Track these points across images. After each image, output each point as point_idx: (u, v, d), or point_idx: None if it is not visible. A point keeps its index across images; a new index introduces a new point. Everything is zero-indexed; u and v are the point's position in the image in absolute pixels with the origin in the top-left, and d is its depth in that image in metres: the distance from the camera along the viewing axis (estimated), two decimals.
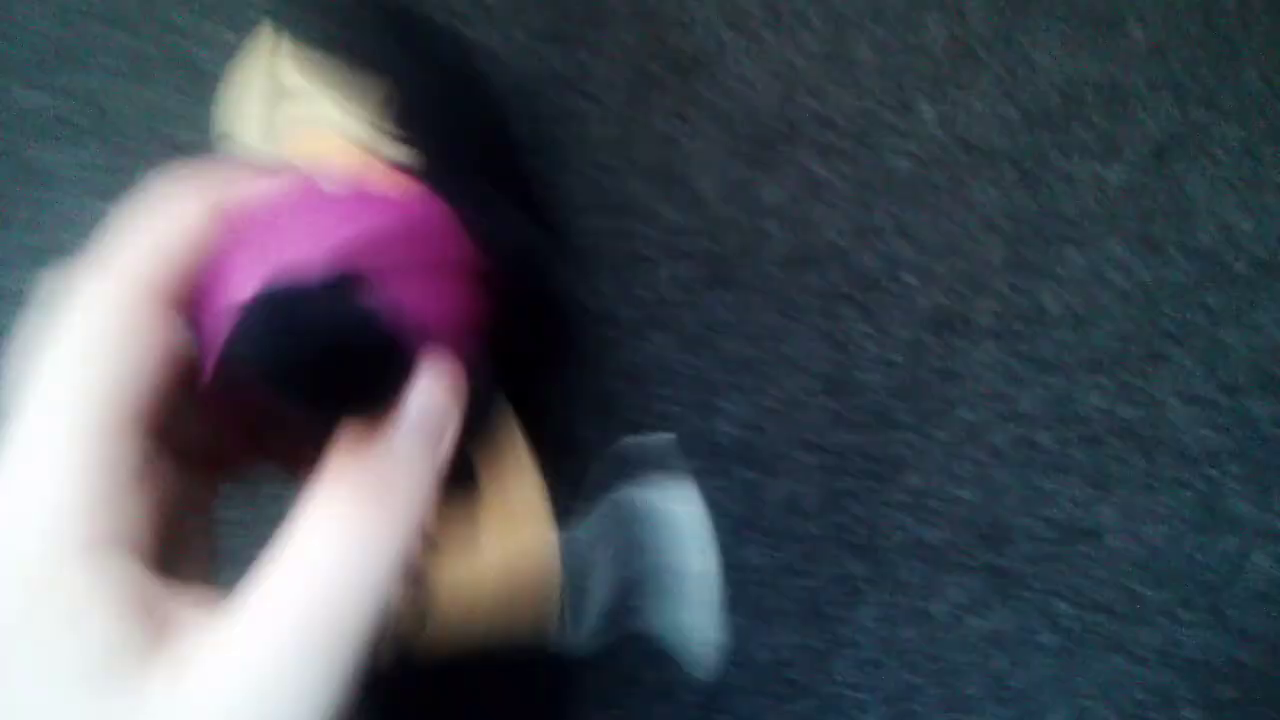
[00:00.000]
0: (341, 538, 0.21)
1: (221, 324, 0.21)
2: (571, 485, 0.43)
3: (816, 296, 0.50)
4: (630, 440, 0.47)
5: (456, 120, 0.43)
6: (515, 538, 0.35)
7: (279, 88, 0.42)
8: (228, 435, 0.25)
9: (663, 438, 0.47)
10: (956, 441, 0.49)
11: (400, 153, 0.38)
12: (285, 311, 0.21)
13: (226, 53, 0.54)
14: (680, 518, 0.44)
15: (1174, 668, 0.48)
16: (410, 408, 0.23)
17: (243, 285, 0.21)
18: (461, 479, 0.26)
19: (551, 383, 0.37)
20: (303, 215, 0.23)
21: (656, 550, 0.43)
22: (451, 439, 0.24)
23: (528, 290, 0.28)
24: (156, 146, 0.55)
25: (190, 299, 0.22)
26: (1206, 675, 0.47)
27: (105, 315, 0.20)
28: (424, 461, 0.23)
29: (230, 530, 0.26)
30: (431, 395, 0.23)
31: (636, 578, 0.42)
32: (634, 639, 0.44)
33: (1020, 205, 0.49)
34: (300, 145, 0.41)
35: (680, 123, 0.51)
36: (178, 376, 0.22)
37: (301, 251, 0.21)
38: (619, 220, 0.51)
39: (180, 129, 0.54)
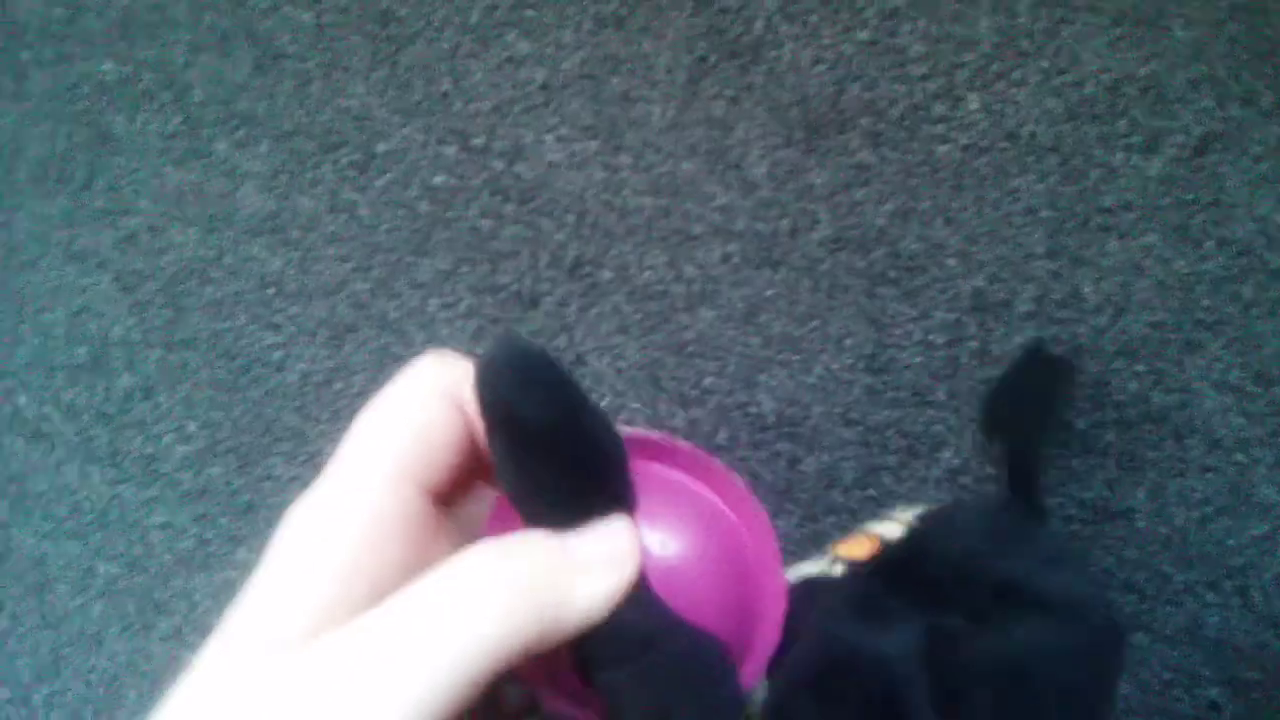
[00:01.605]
0: (480, 582, 0.23)
1: None
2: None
3: (860, 278, 0.52)
4: None
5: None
6: None
7: None
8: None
9: None
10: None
11: None
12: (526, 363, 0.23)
13: (303, 32, 0.57)
14: None
15: (1199, 648, 0.49)
16: (599, 528, 0.24)
17: None
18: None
19: None
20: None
21: None
22: (620, 588, 0.24)
23: None
24: (233, 120, 0.57)
25: None
26: (1231, 656, 0.49)
27: (416, 404, 0.26)
28: (593, 580, 0.24)
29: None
30: (622, 534, 0.24)
31: None
32: None
33: (1062, 195, 0.51)
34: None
35: (734, 107, 0.53)
36: (462, 459, 0.26)
37: None
38: (672, 200, 0.54)
39: (257, 104, 0.57)
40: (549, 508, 0.24)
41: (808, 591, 0.34)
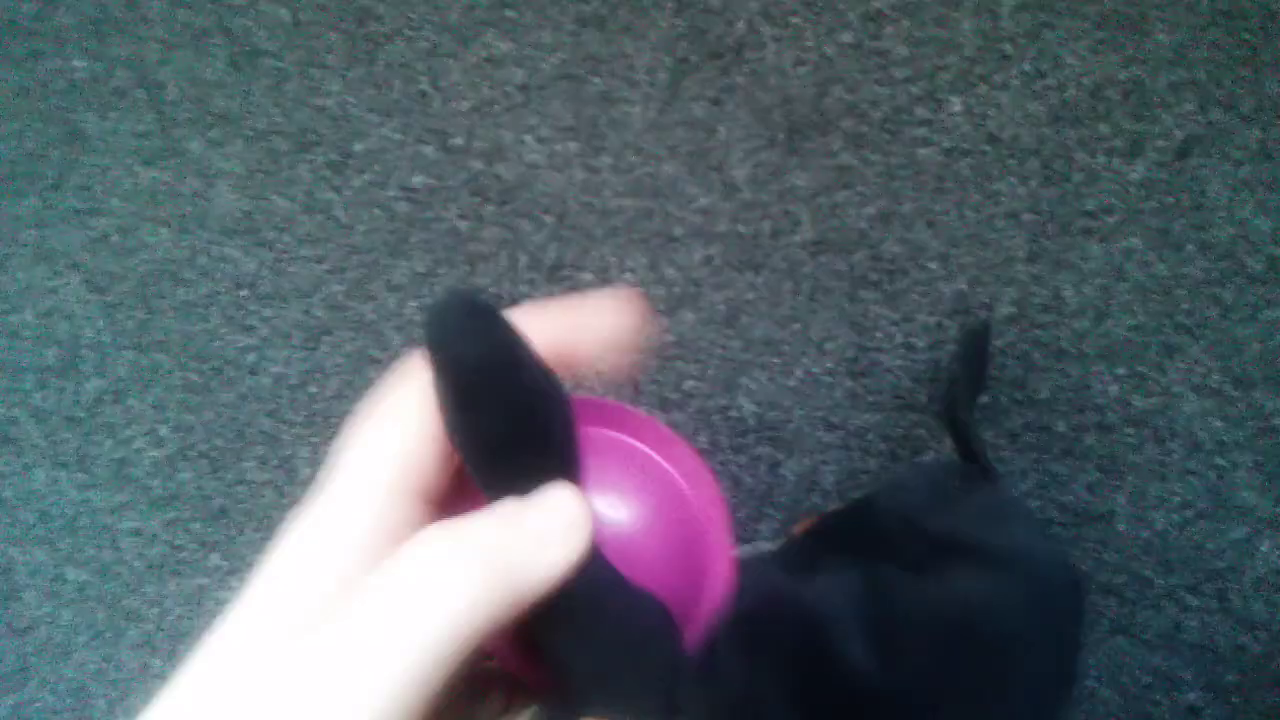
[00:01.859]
0: (437, 565, 0.23)
1: None
2: None
3: (842, 281, 0.52)
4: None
5: None
6: None
7: None
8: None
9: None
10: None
11: None
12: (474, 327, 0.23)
13: (280, 29, 0.56)
14: None
15: (1179, 651, 0.49)
16: (550, 496, 0.24)
17: None
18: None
19: None
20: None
21: None
22: (575, 558, 0.25)
23: None
24: (207, 119, 0.57)
25: None
26: (1210, 660, 0.49)
27: (409, 408, 0.26)
28: (549, 550, 0.24)
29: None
30: (573, 503, 0.24)
31: None
32: None
33: (1043, 198, 0.51)
34: None
35: (715, 109, 0.53)
36: (457, 462, 0.26)
37: None
38: (653, 201, 0.53)
39: (232, 102, 0.56)
40: (494, 458, 0.24)
41: (758, 562, 0.33)
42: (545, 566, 0.24)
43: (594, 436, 0.27)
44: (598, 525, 0.26)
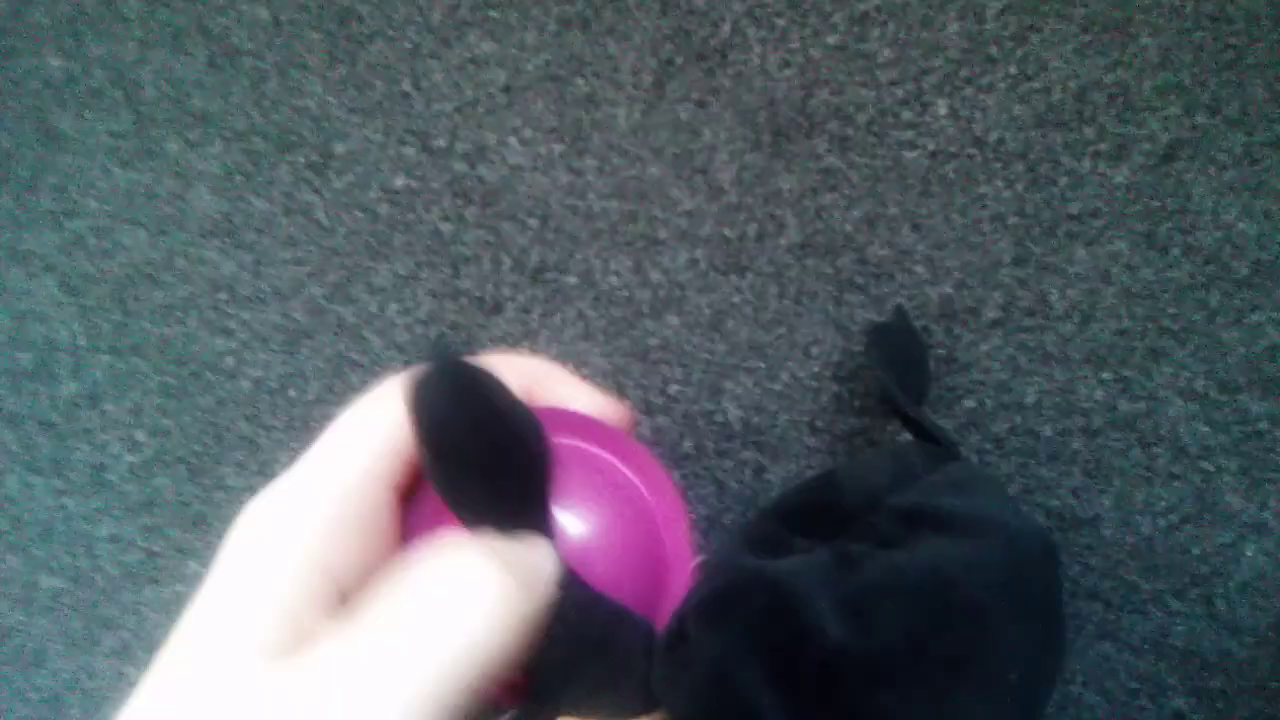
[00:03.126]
0: (432, 615, 0.22)
1: None
2: None
3: (828, 284, 0.51)
4: None
5: None
6: None
7: None
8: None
9: None
10: (960, 430, 0.50)
11: None
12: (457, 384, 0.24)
13: (259, 29, 0.55)
14: None
15: (1164, 657, 0.49)
16: (531, 544, 0.24)
17: None
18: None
19: None
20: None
21: None
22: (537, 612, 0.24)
23: None
24: (186, 119, 0.56)
25: None
26: (1196, 665, 0.49)
27: (390, 406, 0.27)
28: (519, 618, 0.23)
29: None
30: (547, 556, 0.24)
31: None
32: None
33: (1029, 202, 0.50)
34: None
35: (700, 111, 0.53)
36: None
37: None
38: (638, 204, 0.53)
39: (211, 102, 0.56)
40: (474, 510, 0.24)
41: (725, 543, 0.33)
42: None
43: (561, 447, 0.28)
44: (562, 539, 0.26)
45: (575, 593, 0.25)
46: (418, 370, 0.23)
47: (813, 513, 0.33)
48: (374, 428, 0.26)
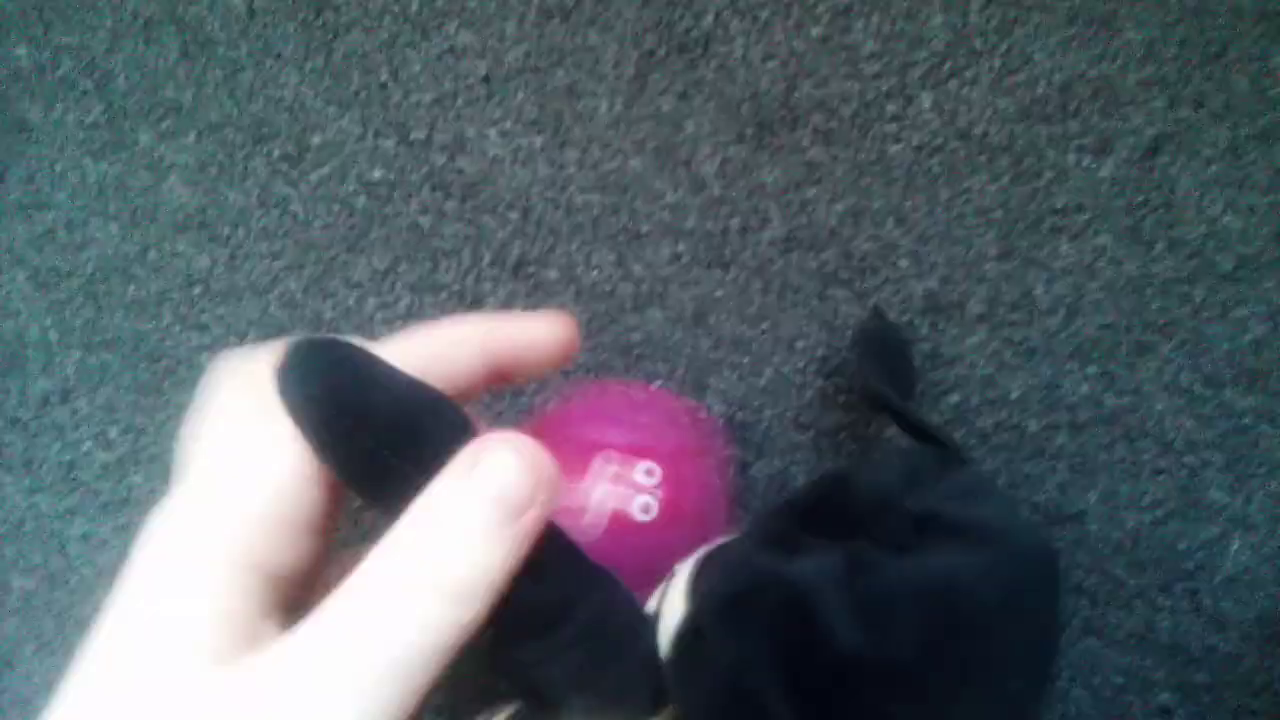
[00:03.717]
0: (380, 611, 0.22)
1: None
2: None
3: (812, 279, 0.51)
4: None
5: None
6: None
7: None
8: None
9: None
10: (945, 425, 0.50)
11: None
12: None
13: (233, 18, 0.54)
14: None
15: (1150, 652, 0.49)
16: (483, 480, 0.23)
17: None
18: None
19: None
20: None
21: None
22: (538, 519, 0.23)
23: None
24: (158, 110, 0.55)
25: None
26: (1182, 660, 0.48)
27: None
28: (493, 537, 0.23)
29: None
30: (511, 471, 0.23)
31: None
32: None
33: (1014, 196, 0.50)
34: None
35: (683, 103, 0.52)
36: None
37: None
38: (620, 197, 0.52)
39: (184, 93, 0.55)
40: (370, 479, 0.24)
41: (737, 543, 0.33)
42: (485, 569, 0.23)
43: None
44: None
45: (559, 566, 0.25)
46: (281, 354, 0.23)
47: (824, 512, 0.33)
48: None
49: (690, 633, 0.28)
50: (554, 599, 0.25)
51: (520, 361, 0.29)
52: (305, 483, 0.24)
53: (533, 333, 0.29)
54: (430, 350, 0.27)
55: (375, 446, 0.23)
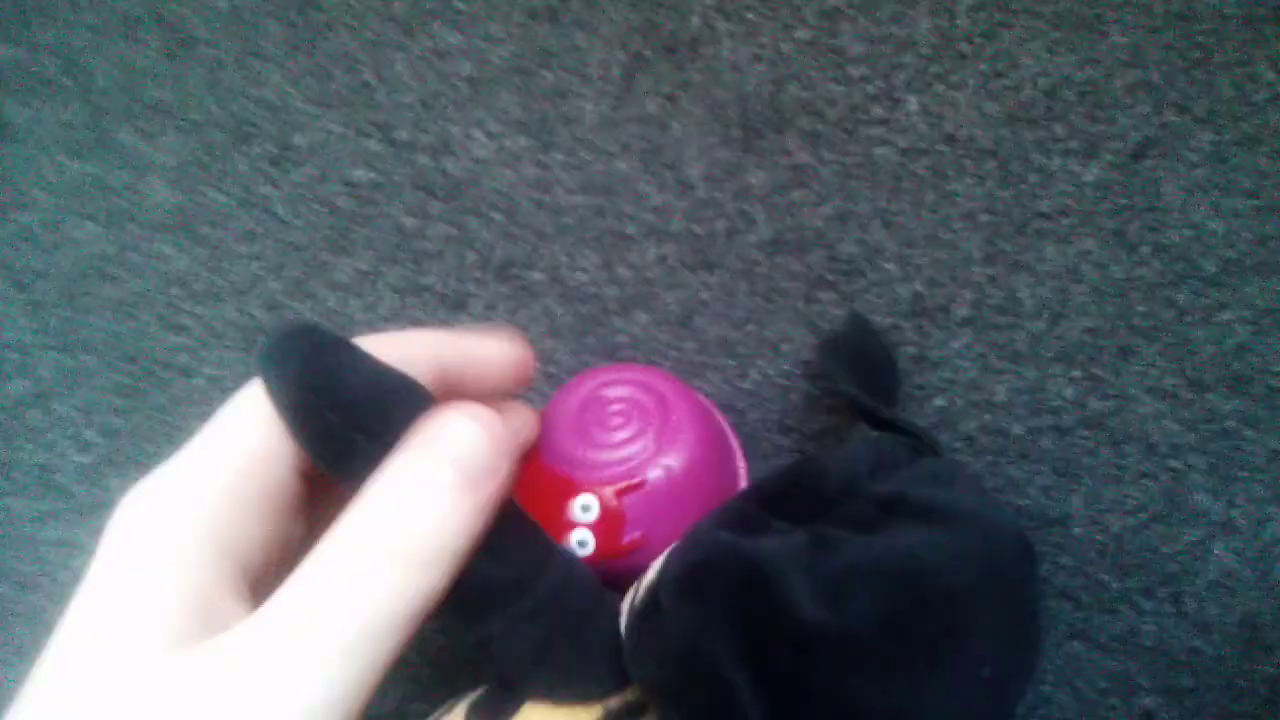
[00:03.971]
0: (343, 583, 0.21)
1: None
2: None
3: (798, 281, 0.51)
4: None
5: None
6: None
7: None
8: None
9: None
10: (930, 428, 0.50)
11: None
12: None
13: (216, 16, 0.54)
14: None
15: (1134, 656, 0.49)
16: (443, 447, 0.23)
17: None
18: None
19: None
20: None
21: None
22: (499, 489, 0.23)
23: None
24: (139, 109, 0.54)
25: None
26: (1166, 663, 0.48)
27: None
28: (453, 504, 0.23)
29: None
30: (471, 439, 0.23)
31: None
32: None
33: (1000, 199, 0.50)
34: None
35: (669, 105, 0.52)
36: None
37: None
38: (606, 199, 0.52)
39: (165, 92, 0.54)
40: (336, 455, 0.24)
41: (702, 522, 0.33)
42: (447, 536, 0.23)
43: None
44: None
45: (502, 543, 0.25)
46: (263, 341, 0.24)
47: (792, 496, 0.33)
48: (268, 406, 0.25)
49: (648, 604, 0.28)
50: (513, 573, 0.25)
51: (471, 380, 0.29)
52: (271, 463, 0.24)
53: (484, 352, 0.29)
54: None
55: (343, 424, 0.24)
